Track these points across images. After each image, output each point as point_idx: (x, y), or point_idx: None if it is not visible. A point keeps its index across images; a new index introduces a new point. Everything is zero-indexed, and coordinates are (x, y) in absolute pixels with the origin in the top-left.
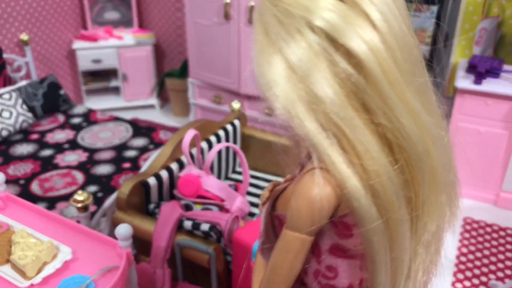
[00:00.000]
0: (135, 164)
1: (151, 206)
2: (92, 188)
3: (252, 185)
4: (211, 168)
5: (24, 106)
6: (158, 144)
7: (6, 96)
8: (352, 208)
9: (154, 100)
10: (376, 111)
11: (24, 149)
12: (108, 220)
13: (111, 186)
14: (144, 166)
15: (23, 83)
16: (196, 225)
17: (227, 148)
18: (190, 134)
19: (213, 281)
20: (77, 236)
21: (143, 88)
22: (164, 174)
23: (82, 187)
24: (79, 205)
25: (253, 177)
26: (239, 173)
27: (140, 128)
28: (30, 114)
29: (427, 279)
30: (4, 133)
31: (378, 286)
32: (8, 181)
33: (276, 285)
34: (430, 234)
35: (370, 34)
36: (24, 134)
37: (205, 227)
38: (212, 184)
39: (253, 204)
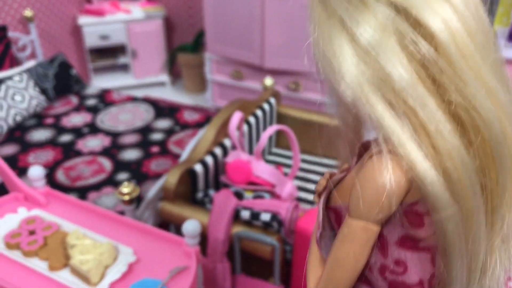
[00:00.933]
0: (163, 148)
1: (199, 195)
2: (123, 176)
3: (288, 166)
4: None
5: (37, 89)
6: (184, 126)
7: (17, 78)
8: (424, 194)
9: (165, 77)
10: (449, 88)
11: (41, 135)
12: (152, 212)
13: (142, 172)
14: (185, 152)
15: (31, 63)
16: (255, 215)
17: (258, 128)
18: (237, 116)
19: (276, 273)
20: (135, 234)
21: (153, 65)
22: (209, 160)
23: (112, 175)
24: (126, 197)
25: (289, 157)
26: (275, 154)
27: (161, 109)
28: (43, 97)
29: (505, 277)
30: (18, 118)
31: (453, 281)
32: None
33: (339, 281)
34: (510, 228)
35: (441, 2)
36: (38, 118)
37: (265, 217)
38: (263, 170)
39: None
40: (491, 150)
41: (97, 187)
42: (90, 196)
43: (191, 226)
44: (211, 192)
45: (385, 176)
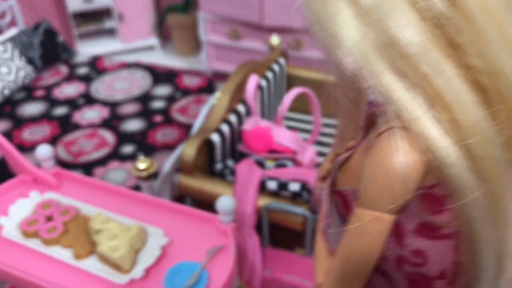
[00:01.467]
0: (167, 117)
1: (218, 166)
2: (128, 149)
3: (302, 130)
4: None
5: (23, 58)
6: (185, 92)
7: (0, 48)
8: (444, 176)
9: (154, 40)
10: (468, 50)
11: (33, 108)
12: (168, 187)
13: (148, 144)
14: (198, 121)
15: (13, 31)
16: (282, 185)
17: (270, 92)
18: (254, 80)
19: (307, 244)
20: (162, 213)
21: (141, 28)
22: (225, 128)
23: (116, 148)
24: (144, 174)
25: (300, 121)
26: (287, 118)
27: (159, 75)
28: (30, 67)
29: None
30: (6, 92)
31: (481, 271)
32: (26, 149)
33: (352, 276)
34: None
35: None
36: (27, 91)
37: (294, 187)
38: (285, 136)
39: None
40: None
41: (102, 162)
42: (96, 172)
43: (226, 202)
44: (230, 162)
45: (398, 159)
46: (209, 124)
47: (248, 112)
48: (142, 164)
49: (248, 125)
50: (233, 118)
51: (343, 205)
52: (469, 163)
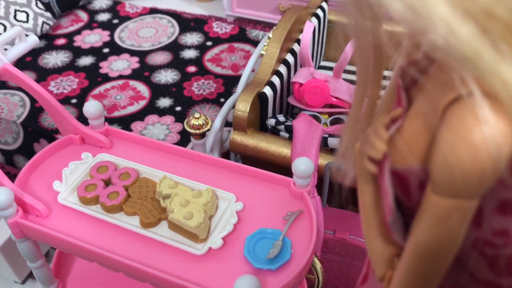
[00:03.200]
0: (201, 67)
1: (272, 122)
2: (165, 102)
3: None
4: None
5: (39, 4)
6: (216, 40)
7: None
8: None
9: None
10: None
11: (56, 58)
12: (217, 145)
13: (186, 96)
14: (245, 73)
15: None
16: None
17: (314, 41)
18: (310, 28)
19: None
20: (229, 175)
21: None
22: (276, 81)
23: (151, 101)
24: (198, 131)
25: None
26: (324, 68)
27: (186, 21)
28: (48, 14)
29: None
30: None
31: None
32: None
33: (427, 274)
34: None
35: None
36: (47, 40)
37: None
38: (343, 89)
39: None
40: None
41: (139, 116)
42: (134, 128)
43: (303, 164)
44: (281, 118)
45: (487, 134)
46: (259, 76)
47: (297, 63)
48: (197, 121)
49: (301, 77)
50: (283, 69)
51: (399, 186)
52: None
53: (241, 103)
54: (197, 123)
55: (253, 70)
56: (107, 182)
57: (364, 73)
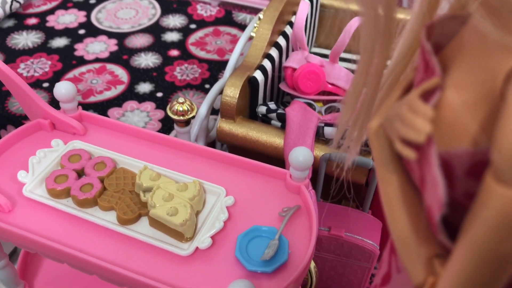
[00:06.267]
0: (184, 51)
1: (262, 109)
2: (145, 87)
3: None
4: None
5: None
6: (200, 22)
7: None
8: None
9: None
10: None
11: (26, 39)
12: (202, 135)
13: (167, 82)
14: (233, 56)
15: None
16: None
17: (307, 24)
18: (306, 8)
19: (369, 198)
20: (219, 166)
21: None
22: (267, 65)
23: (130, 86)
24: (182, 118)
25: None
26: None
27: (169, 3)
28: None
29: None
30: None
31: None
32: None
33: (493, 280)
34: None
35: None
36: (17, 19)
37: None
38: (339, 75)
39: None
40: None
41: (117, 102)
42: (111, 114)
43: (302, 155)
44: (272, 105)
45: None
46: (249, 59)
47: (289, 47)
48: (181, 106)
49: (295, 61)
50: (274, 53)
51: (447, 172)
52: None
53: (229, 88)
54: (181, 109)
55: (241, 54)
56: (80, 173)
57: (371, 42)
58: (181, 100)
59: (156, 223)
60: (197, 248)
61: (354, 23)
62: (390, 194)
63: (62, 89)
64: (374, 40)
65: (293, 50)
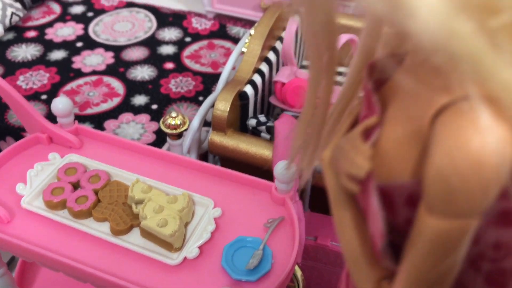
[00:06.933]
0: (179, 64)
1: (252, 122)
2: (141, 99)
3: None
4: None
5: None
6: (195, 36)
7: None
8: None
9: None
10: None
11: (25, 52)
12: (194, 146)
13: (162, 94)
14: (225, 71)
15: None
16: None
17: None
18: (294, 25)
19: None
20: (207, 178)
21: None
22: (258, 79)
23: (126, 99)
24: (175, 131)
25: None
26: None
27: (165, 16)
28: (18, 5)
29: None
30: None
31: None
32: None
33: None
34: None
35: None
36: (17, 32)
37: None
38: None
39: None
40: None
41: (113, 114)
42: (107, 126)
43: (286, 168)
44: (262, 118)
45: (488, 142)
46: (240, 74)
47: (279, 61)
48: (174, 120)
49: (284, 76)
50: (264, 68)
51: (382, 203)
52: None
53: (220, 102)
54: (173, 123)
55: (233, 68)
56: (76, 185)
57: (317, 69)
58: (173, 114)
59: (147, 234)
60: (185, 258)
61: (341, 39)
62: (343, 221)
63: (59, 104)
64: (319, 74)
65: (283, 65)
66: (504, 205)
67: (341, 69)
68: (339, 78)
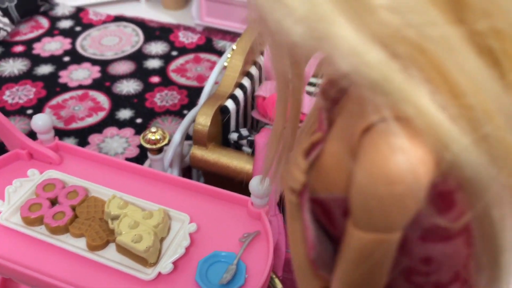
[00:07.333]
0: (165, 78)
1: (234, 136)
2: (126, 113)
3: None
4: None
5: None
6: (181, 50)
7: None
8: (459, 177)
9: None
10: (474, 10)
11: (12, 66)
12: (177, 159)
13: (147, 108)
14: (208, 85)
15: None
16: None
17: None
18: None
19: None
20: (183, 193)
21: None
22: (239, 94)
23: (111, 113)
24: (155, 146)
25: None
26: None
27: (151, 30)
28: (6, 20)
29: None
30: None
31: (499, 268)
32: (10, 112)
33: None
34: None
35: None
36: (4, 47)
37: None
38: (306, 104)
39: None
40: None
41: (98, 129)
42: (92, 141)
43: (259, 182)
44: (244, 132)
45: (403, 162)
46: (221, 89)
47: (261, 76)
48: (154, 135)
49: (266, 90)
50: (246, 82)
51: (323, 215)
52: (487, 152)
53: (201, 117)
54: (153, 138)
55: (216, 83)
56: (54, 201)
57: (283, 88)
58: (153, 129)
59: (123, 249)
60: (159, 273)
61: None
62: (293, 231)
63: (39, 121)
64: (286, 96)
65: (266, 79)
66: (431, 221)
67: (314, 80)
68: (312, 89)
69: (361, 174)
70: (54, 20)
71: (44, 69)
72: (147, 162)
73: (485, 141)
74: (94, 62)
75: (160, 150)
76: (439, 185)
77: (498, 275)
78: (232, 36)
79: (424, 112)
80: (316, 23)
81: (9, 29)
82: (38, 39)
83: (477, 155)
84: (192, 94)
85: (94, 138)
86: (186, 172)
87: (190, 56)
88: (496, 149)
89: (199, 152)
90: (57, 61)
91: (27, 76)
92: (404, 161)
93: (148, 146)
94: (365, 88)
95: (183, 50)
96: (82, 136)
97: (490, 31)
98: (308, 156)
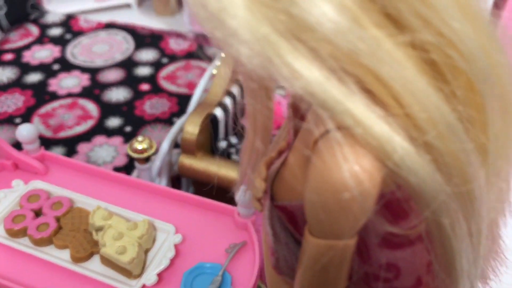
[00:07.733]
0: (155, 85)
1: (223, 144)
2: (115, 122)
3: None
4: None
5: None
6: (172, 57)
7: None
8: (405, 185)
9: None
10: (411, 22)
11: (1, 75)
12: (166, 168)
13: (136, 116)
14: (197, 93)
15: None
16: None
17: None
18: None
19: None
20: (170, 203)
21: None
22: (228, 102)
23: (100, 121)
24: (142, 155)
25: None
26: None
27: (142, 37)
28: None
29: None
30: None
31: (457, 273)
32: None
33: None
34: (504, 185)
35: None
36: None
37: None
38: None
39: None
40: (477, 93)
41: (86, 137)
42: (80, 149)
43: (248, 193)
44: (234, 140)
45: (347, 172)
46: (210, 97)
47: None
48: (141, 144)
49: None
50: (235, 90)
51: (289, 221)
52: (432, 161)
53: (190, 125)
54: (140, 147)
55: (206, 90)
56: (38, 213)
57: (251, 102)
58: (140, 138)
59: (107, 261)
60: (144, 285)
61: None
62: (267, 242)
63: (24, 131)
64: (255, 112)
65: None
66: (385, 229)
67: None
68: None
69: (310, 183)
70: (44, 27)
71: (33, 77)
72: (135, 172)
73: (430, 150)
74: (83, 69)
75: (147, 159)
76: (387, 194)
77: (454, 280)
78: None
79: (362, 122)
80: (258, 46)
81: None
82: (28, 47)
83: (421, 163)
84: (182, 102)
85: (82, 147)
86: (176, 181)
87: (181, 63)
88: (442, 158)
89: (188, 161)
90: (46, 69)
91: (16, 84)
92: (347, 169)
93: (135, 155)
94: (307, 102)
95: (174, 57)
96: (70, 144)
97: (430, 43)
98: (272, 165)
